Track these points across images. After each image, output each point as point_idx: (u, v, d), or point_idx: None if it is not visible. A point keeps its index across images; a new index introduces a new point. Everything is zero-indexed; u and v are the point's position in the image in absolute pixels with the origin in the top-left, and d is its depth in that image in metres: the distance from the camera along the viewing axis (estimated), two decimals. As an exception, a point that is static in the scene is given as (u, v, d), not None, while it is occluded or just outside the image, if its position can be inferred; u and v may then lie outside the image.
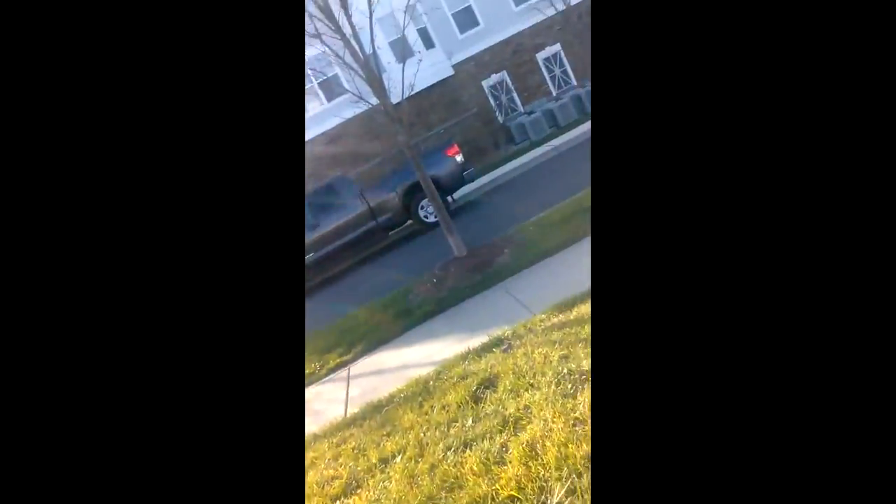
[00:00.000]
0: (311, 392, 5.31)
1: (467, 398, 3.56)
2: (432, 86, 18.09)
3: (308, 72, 13.11)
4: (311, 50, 6.44)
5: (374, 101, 6.08)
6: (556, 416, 2.92)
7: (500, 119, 19.58)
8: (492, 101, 19.78)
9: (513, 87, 19.92)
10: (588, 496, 2.27)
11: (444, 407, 3.61)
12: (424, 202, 10.30)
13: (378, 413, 4.06)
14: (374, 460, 3.42)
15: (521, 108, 19.44)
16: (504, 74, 19.76)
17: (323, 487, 3.41)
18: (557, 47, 19.88)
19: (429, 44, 18.11)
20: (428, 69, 16.22)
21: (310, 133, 16.58)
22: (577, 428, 2.76)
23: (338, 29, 5.70)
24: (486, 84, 19.64)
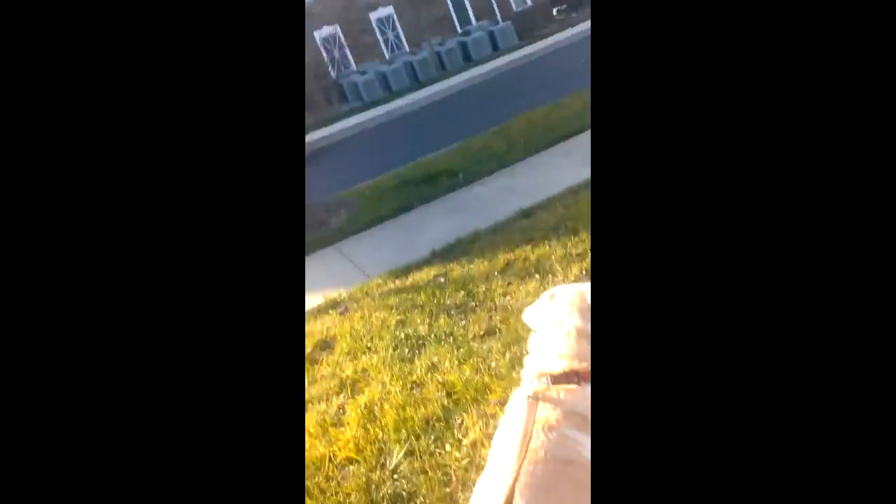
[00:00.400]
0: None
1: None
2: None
3: None
4: None
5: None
6: (393, 380, 3.00)
7: (333, 74, 18.98)
8: (324, 55, 19.06)
9: (345, 44, 19.38)
10: (427, 457, 2.39)
11: (276, 370, 3.50)
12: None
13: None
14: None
15: (353, 66, 19.01)
16: (336, 28, 19.12)
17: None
18: (390, 10, 19.69)
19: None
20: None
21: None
22: (414, 391, 2.87)
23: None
24: (317, 35, 18.84)
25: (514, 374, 2.66)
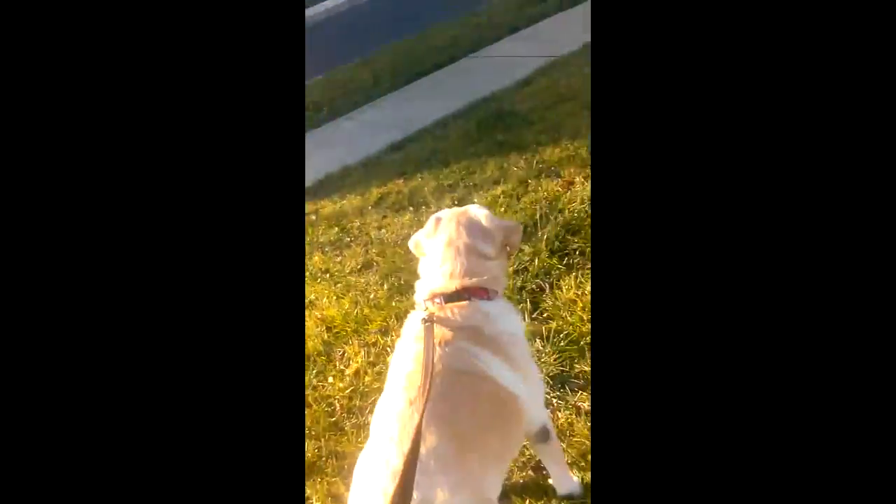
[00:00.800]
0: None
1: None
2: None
3: None
4: None
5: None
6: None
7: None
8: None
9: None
10: (310, 391, 2.38)
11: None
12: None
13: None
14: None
15: None
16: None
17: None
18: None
19: None
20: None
21: None
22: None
23: None
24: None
25: (393, 303, 2.70)
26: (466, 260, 1.46)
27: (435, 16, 8.57)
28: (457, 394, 1.24)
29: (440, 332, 1.32)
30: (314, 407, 2.29)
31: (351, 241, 3.44)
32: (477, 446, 1.19)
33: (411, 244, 1.66)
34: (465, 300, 1.39)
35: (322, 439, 2.14)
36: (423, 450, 1.11)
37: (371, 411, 2.23)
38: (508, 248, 1.60)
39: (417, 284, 1.55)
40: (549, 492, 1.69)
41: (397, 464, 1.09)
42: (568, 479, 1.64)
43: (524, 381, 1.35)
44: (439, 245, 1.52)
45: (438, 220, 1.60)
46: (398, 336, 2.51)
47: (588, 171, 3.24)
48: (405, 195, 3.73)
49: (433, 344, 1.29)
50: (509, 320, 1.43)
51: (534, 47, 5.91)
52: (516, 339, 1.40)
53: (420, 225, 3.32)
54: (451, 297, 1.40)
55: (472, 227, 1.52)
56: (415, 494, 1.05)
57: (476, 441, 1.19)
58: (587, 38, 5.41)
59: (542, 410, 1.50)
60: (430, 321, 1.34)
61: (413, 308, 1.54)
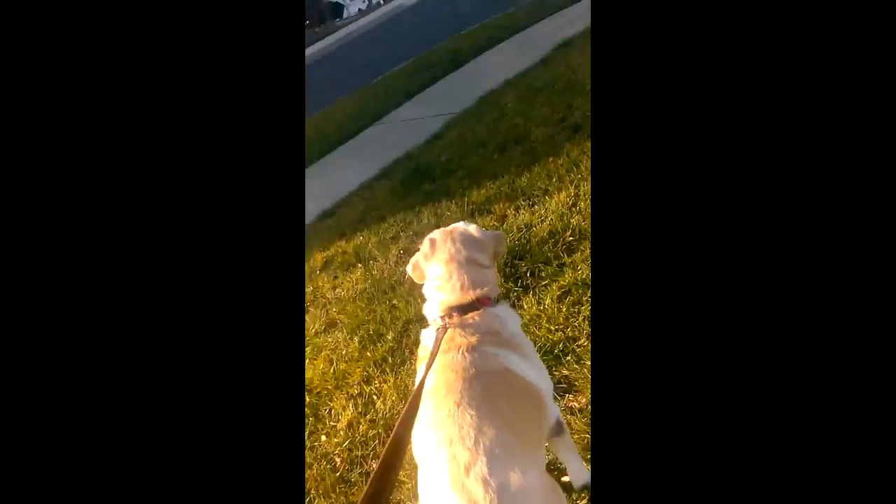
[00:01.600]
0: None
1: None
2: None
3: None
4: None
5: None
6: (242, 398, 2.89)
7: None
8: None
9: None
10: (307, 453, 2.38)
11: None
12: None
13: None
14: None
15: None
16: None
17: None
18: None
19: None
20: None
21: None
22: (269, 401, 2.80)
23: None
24: None
25: (368, 353, 2.76)
26: (470, 272, 1.58)
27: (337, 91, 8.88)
28: (494, 391, 1.33)
29: (464, 340, 1.42)
30: (315, 467, 2.28)
31: (308, 305, 3.47)
32: (523, 435, 1.28)
33: (409, 269, 1.75)
34: (478, 310, 1.51)
35: (332, 495, 2.14)
36: (486, 442, 1.19)
37: (374, 457, 2.27)
38: (496, 257, 1.74)
39: (426, 307, 1.65)
40: (566, 489, 1.78)
41: (459, 465, 1.17)
42: (583, 470, 1.75)
43: (540, 376, 1.48)
44: (440, 263, 1.63)
45: (433, 240, 1.70)
46: (381, 382, 2.60)
47: (517, 203, 3.50)
48: (350, 254, 3.82)
49: (438, 345, 1.37)
50: (516, 322, 1.56)
51: (432, 108, 6.28)
52: (525, 338, 1.54)
53: (373, 278, 3.44)
54: (465, 309, 1.52)
55: (467, 240, 1.65)
56: (492, 482, 1.12)
57: (520, 430, 1.29)
58: (477, 94, 5.86)
59: (555, 404, 1.62)
60: (442, 329, 1.45)
61: (422, 327, 1.63)
